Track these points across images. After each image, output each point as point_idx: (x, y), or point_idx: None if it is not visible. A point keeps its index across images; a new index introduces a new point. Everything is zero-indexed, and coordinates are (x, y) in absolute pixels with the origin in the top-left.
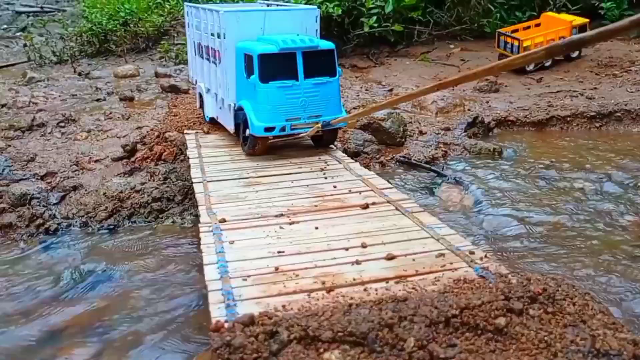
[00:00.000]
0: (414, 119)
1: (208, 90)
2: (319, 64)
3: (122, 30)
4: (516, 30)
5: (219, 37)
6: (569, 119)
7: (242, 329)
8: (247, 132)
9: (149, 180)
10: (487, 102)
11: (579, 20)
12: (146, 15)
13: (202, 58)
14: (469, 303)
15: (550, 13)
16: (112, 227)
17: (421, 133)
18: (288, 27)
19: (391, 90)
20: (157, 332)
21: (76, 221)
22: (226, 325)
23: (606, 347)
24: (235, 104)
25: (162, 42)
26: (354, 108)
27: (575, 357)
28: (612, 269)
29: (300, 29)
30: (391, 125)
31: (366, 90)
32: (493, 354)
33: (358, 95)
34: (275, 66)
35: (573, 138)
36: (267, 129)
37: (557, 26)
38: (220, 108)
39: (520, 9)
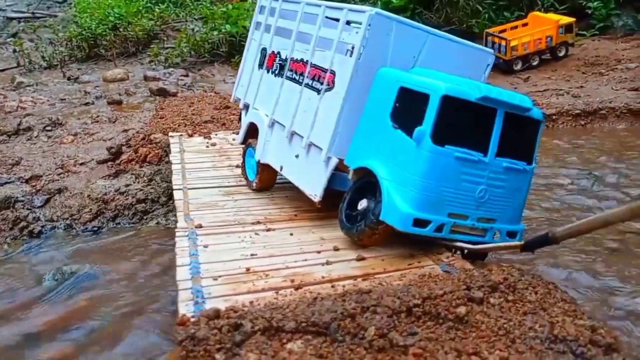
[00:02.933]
0: None
1: (273, 124)
2: (518, 139)
3: (112, 34)
4: (504, 30)
5: (341, 51)
6: (554, 117)
7: (207, 322)
8: (366, 210)
9: (134, 182)
10: None
11: (565, 19)
12: (136, 19)
13: (277, 75)
14: (431, 293)
15: (537, 13)
16: (96, 229)
17: None
18: (450, 66)
19: None
20: (135, 331)
21: (60, 223)
22: (192, 319)
23: (564, 334)
24: (335, 159)
25: (151, 46)
26: None
27: (533, 343)
28: (591, 265)
29: (465, 73)
30: None
31: None
32: (452, 341)
33: None
34: (463, 123)
35: (558, 136)
36: (417, 223)
37: (543, 25)
38: (296, 156)
39: (508, 9)
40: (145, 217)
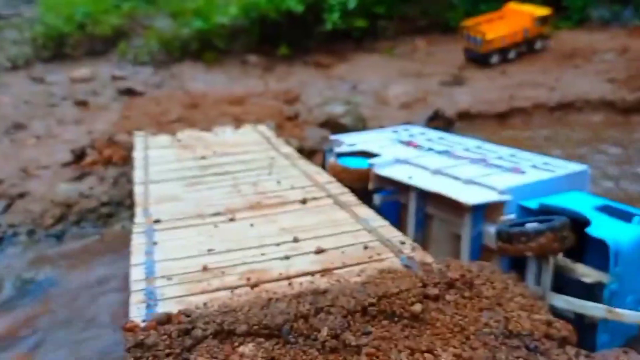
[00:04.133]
0: (375, 114)
1: None
2: None
3: (79, 33)
4: (480, 23)
5: None
6: (530, 110)
7: (156, 328)
8: None
9: (98, 185)
10: (450, 95)
11: (542, 11)
12: (103, 17)
13: None
14: (386, 291)
15: (513, 4)
16: (59, 234)
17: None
18: None
19: (355, 86)
20: (92, 338)
21: (22, 229)
22: (142, 324)
23: (519, 328)
24: None
25: (120, 44)
26: (316, 105)
27: (487, 339)
28: None
29: None
30: (350, 121)
31: (329, 87)
32: (407, 339)
33: (321, 93)
34: None
35: (534, 128)
36: None
37: (519, 18)
38: None
39: (485, 1)
40: (109, 221)
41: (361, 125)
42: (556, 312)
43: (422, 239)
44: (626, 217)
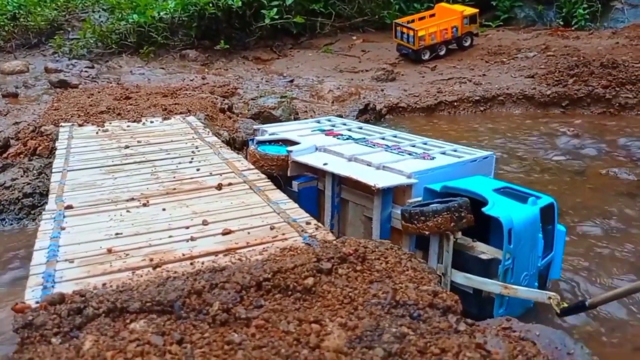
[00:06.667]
0: (309, 107)
1: None
2: None
3: (11, 25)
4: (412, 21)
5: None
6: (455, 103)
7: (46, 308)
8: None
9: (22, 176)
10: (382, 90)
11: (470, 10)
12: (38, 9)
13: None
14: (281, 267)
15: (444, 4)
16: None
17: None
18: None
19: (292, 81)
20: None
21: None
22: (33, 305)
23: (405, 299)
24: None
25: (55, 37)
26: (252, 99)
27: (374, 309)
28: None
29: None
30: (282, 114)
31: (266, 81)
32: (297, 311)
33: (258, 87)
34: None
35: (459, 121)
36: None
37: (449, 16)
38: None
39: (418, 0)
40: (32, 212)
41: (293, 117)
42: (457, 287)
43: (339, 223)
44: (522, 198)
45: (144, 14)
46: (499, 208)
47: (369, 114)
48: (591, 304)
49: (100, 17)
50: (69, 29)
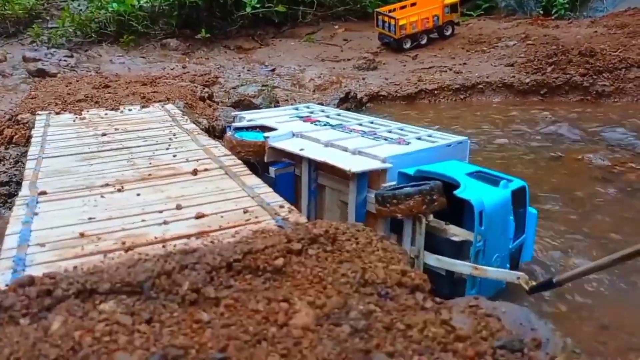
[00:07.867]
0: (290, 96)
1: None
2: None
3: None
4: (394, 10)
5: None
6: (436, 92)
7: (15, 290)
8: None
9: None
10: (364, 78)
11: None
12: None
13: None
14: (252, 248)
15: None
16: None
17: None
18: None
19: (273, 70)
20: None
21: None
22: (2, 288)
23: (374, 278)
24: None
25: (33, 26)
26: (233, 88)
27: (343, 288)
28: None
29: None
30: (262, 102)
31: (248, 70)
32: (267, 291)
33: (239, 76)
34: None
35: (439, 109)
36: None
37: (430, 5)
38: None
39: None
40: (9, 201)
41: (273, 105)
42: (430, 269)
43: (316, 208)
44: (494, 182)
45: (124, 2)
46: (471, 191)
47: (350, 103)
48: (558, 281)
49: (79, 5)
50: (48, 18)
